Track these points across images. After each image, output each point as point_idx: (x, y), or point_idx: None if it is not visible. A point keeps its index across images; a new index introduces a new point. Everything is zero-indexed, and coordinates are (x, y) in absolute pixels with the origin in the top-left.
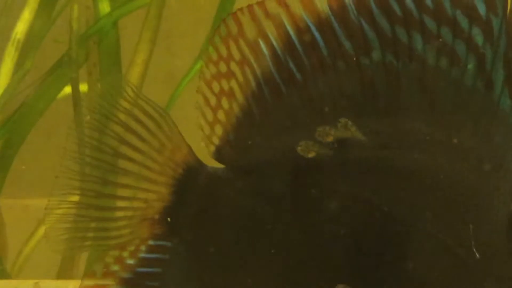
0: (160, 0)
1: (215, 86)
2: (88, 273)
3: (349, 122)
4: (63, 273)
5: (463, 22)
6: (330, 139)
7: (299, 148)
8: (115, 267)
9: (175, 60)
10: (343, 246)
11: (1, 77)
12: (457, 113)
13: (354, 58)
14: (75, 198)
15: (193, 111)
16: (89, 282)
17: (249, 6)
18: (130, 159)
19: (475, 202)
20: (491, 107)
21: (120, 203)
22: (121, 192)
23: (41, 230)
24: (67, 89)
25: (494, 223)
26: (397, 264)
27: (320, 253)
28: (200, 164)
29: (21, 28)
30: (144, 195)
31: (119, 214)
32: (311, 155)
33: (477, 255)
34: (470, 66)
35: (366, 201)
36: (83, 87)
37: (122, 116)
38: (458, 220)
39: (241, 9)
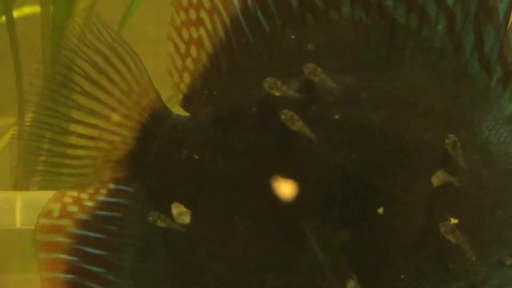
0: None
1: (185, 33)
2: (45, 212)
3: (319, 68)
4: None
5: None
6: (277, 93)
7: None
8: (73, 208)
9: None
10: (303, 196)
11: None
12: (424, 74)
13: (324, 12)
14: (42, 132)
15: (146, 30)
16: (45, 221)
17: None
18: (98, 100)
19: (439, 163)
20: (458, 68)
21: (85, 142)
22: (86, 131)
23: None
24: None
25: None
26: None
27: (279, 203)
28: (166, 110)
29: None
30: (109, 137)
31: (83, 152)
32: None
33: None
34: (440, 26)
35: (326, 155)
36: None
37: (92, 55)
38: (422, 180)
39: None
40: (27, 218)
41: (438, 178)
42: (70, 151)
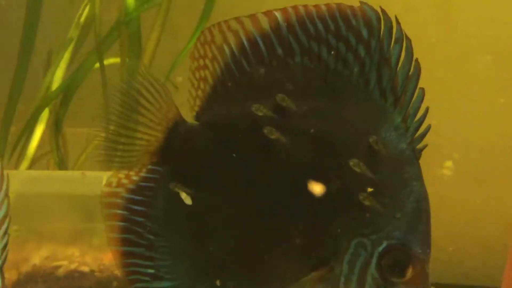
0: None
1: (196, 74)
2: (107, 183)
3: (286, 97)
4: None
5: (353, 41)
6: (260, 113)
7: (253, 108)
8: (125, 181)
9: (177, 42)
10: (281, 185)
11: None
12: (346, 98)
13: (283, 59)
14: (115, 137)
15: (184, 77)
16: (107, 189)
17: (218, 24)
18: (141, 114)
19: (358, 154)
20: (367, 95)
21: (133, 141)
22: (134, 134)
23: (89, 149)
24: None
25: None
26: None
27: (267, 191)
28: (183, 120)
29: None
30: (147, 137)
31: (131, 147)
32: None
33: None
34: (355, 69)
35: (294, 151)
36: (115, 59)
37: (142, 90)
38: (348, 165)
39: (213, 25)
40: None
41: (353, 162)
42: (125, 147)
